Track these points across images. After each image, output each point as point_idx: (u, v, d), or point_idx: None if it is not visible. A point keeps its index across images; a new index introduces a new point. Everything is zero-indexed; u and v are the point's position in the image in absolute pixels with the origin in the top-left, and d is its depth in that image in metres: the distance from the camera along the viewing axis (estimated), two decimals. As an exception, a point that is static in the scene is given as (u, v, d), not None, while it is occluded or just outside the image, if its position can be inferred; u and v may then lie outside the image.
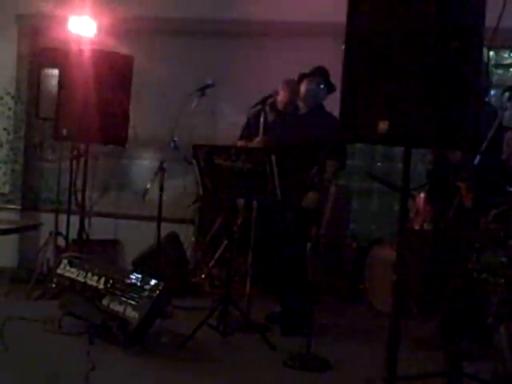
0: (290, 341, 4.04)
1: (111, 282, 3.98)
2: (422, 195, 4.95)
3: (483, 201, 3.69)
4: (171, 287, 4.13)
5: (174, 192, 5.58)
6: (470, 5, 2.45)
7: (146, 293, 3.81)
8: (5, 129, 6.44)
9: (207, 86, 4.78)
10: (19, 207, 6.41)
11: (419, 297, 4.83)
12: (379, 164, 5.96)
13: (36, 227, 5.67)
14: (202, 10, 5.95)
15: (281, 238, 4.40)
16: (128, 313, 3.79)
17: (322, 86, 4.46)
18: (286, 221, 4.34)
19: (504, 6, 2.71)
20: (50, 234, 5.45)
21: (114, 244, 6.15)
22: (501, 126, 3.71)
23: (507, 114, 4.02)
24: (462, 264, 3.71)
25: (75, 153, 5.23)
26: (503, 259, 3.89)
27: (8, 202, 6.40)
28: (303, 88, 4.48)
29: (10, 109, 6.42)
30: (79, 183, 5.12)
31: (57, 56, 5.08)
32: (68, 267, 4.28)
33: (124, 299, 3.86)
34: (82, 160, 5.06)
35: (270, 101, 4.55)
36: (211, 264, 5.55)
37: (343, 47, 2.68)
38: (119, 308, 3.84)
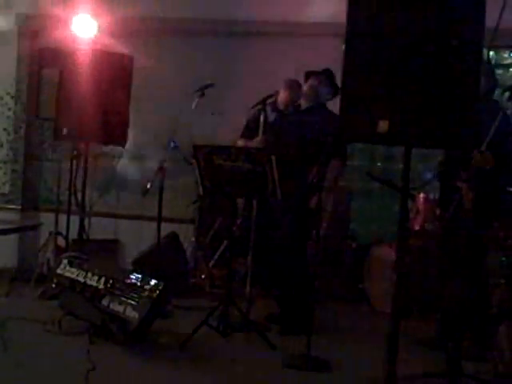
0: (290, 341, 4.04)
1: (111, 281, 3.98)
2: (422, 195, 4.96)
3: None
4: (171, 287, 4.12)
5: (173, 192, 5.57)
6: (469, 5, 2.45)
7: (146, 293, 3.81)
8: (5, 129, 6.43)
9: (207, 86, 4.78)
10: (19, 207, 6.40)
11: (419, 297, 4.84)
12: (379, 164, 5.96)
13: (36, 227, 5.67)
14: (202, 10, 5.95)
15: (281, 238, 4.40)
16: (128, 313, 3.79)
17: (325, 86, 4.47)
18: (286, 221, 4.34)
19: (504, 5, 2.71)
20: (50, 234, 5.44)
21: (113, 244, 6.15)
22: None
23: (507, 113, 4.02)
24: (465, 264, 3.71)
25: (75, 152, 5.23)
26: (503, 259, 3.89)
27: (8, 201, 6.39)
28: (306, 84, 4.53)
29: (9, 109, 6.41)
30: (79, 183, 5.12)
31: (57, 56, 5.07)
32: (68, 267, 4.29)
33: (124, 299, 3.86)
34: (82, 160, 5.06)
35: (270, 101, 4.55)
36: (211, 264, 5.55)
37: (343, 47, 2.68)
38: (119, 308, 3.84)
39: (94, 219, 5.57)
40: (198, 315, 4.16)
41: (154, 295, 3.78)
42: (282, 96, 4.68)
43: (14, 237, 5.94)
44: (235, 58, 5.95)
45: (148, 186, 4.69)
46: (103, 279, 4.02)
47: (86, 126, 4.67)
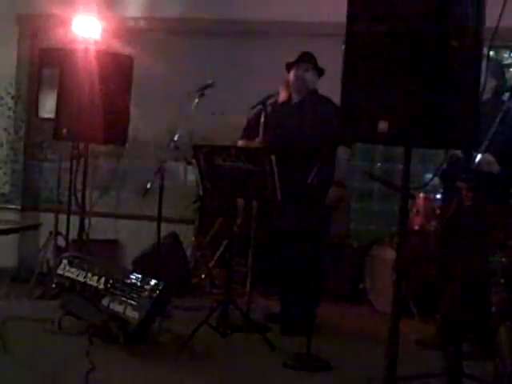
0: (290, 341, 4.04)
1: (111, 281, 3.98)
2: (422, 195, 4.96)
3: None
4: (171, 287, 4.12)
5: (173, 192, 5.57)
6: (469, 5, 2.46)
7: (146, 293, 3.81)
8: (5, 129, 6.44)
9: (207, 86, 4.78)
10: (19, 207, 6.40)
11: (419, 297, 4.84)
12: (379, 164, 5.96)
13: (36, 227, 5.67)
14: (202, 10, 5.96)
15: (281, 238, 4.40)
16: (128, 313, 3.79)
17: (311, 71, 4.39)
18: (286, 220, 4.33)
19: (504, 5, 2.71)
20: (50, 233, 5.44)
21: (113, 244, 6.15)
22: None
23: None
24: (466, 264, 3.71)
25: (75, 152, 5.23)
26: (503, 259, 3.89)
27: (8, 201, 6.40)
28: (291, 76, 4.43)
29: (9, 109, 6.42)
30: (79, 183, 5.12)
31: (57, 56, 5.07)
32: (68, 267, 4.28)
33: (124, 299, 3.85)
34: (82, 160, 5.06)
35: (270, 101, 4.54)
36: (211, 264, 5.55)
37: (343, 47, 2.68)
38: (119, 308, 3.84)
39: (94, 219, 5.56)
40: (198, 315, 4.17)
41: (154, 295, 3.78)
42: (282, 96, 4.67)
43: (13, 237, 5.95)
44: (235, 58, 5.96)
45: (148, 186, 4.69)
46: (103, 279, 4.02)
47: (85, 125, 4.66)
